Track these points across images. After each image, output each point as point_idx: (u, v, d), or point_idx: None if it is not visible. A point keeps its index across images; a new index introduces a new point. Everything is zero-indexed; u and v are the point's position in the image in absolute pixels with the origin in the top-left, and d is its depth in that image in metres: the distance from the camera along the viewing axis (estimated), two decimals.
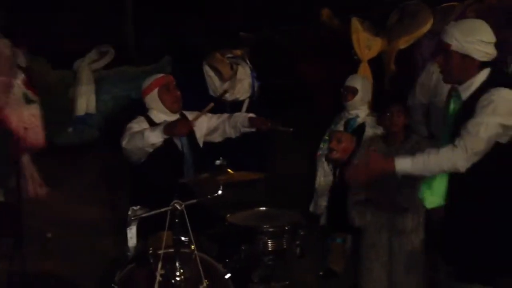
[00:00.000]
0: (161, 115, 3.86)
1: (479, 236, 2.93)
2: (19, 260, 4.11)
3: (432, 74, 4.34)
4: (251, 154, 5.45)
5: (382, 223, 3.74)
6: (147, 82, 3.92)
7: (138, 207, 3.36)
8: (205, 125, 4.04)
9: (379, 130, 4.33)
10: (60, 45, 6.39)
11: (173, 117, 3.85)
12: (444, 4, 5.38)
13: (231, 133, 4.02)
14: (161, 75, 4.00)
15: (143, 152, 3.65)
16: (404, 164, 2.92)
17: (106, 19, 7.83)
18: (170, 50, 6.60)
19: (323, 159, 4.48)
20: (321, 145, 4.55)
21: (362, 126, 4.43)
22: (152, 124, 3.80)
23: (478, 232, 2.93)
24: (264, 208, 3.73)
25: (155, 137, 3.60)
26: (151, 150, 3.64)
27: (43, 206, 5.23)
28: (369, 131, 4.40)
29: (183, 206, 2.74)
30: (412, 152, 3.55)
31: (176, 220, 2.74)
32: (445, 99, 3.09)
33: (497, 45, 2.89)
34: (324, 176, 4.49)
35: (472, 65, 2.86)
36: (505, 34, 4.51)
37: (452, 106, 2.98)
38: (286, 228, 3.43)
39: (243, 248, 3.39)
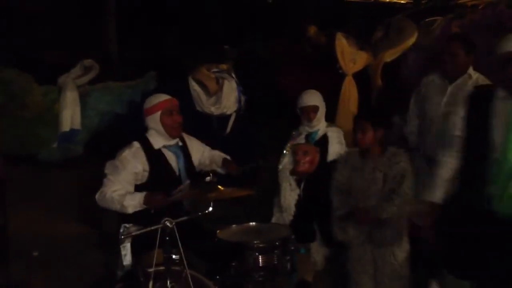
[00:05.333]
0: (159, 138, 3.81)
1: None
2: (4, 277, 4.03)
3: (427, 85, 4.36)
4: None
5: (364, 237, 3.76)
6: (151, 103, 3.86)
7: (131, 224, 3.37)
8: (198, 156, 4.05)
9: (342, 140, 4.48)
10: (43, 61, 6.35)
11: (172, 141, 3.83)
12: (428, 19, 5.41)
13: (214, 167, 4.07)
14: (167, 97, 3.92)
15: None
16: None
17: (88, 32, 7.80)
18: (154, 64, 6.58)
19: (287, 173, 4.44)
20: (281, 160, 4.52)
21: (324, 138, 4.46)
22: (148, 150, 3.73)
23: None
24: (254, 223, 3.73)
25: (133, 208, 3.54)
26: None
27: (27, 222, 5.14)
28: (333, 144, 4.44)
29: (173, 223, 2.72)
30: (389, 165, 3.63)
31: (167, 238, 2.73)
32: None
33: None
34: (290, 190, 4.45)
35: None
36: (488, 47, 4.60)
37: None
38: (277, 243, 3.42)
39: (233, 264, 3.38)
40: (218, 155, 4.11)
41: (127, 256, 3.05)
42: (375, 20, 5.78)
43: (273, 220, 4.51)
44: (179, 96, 5.80)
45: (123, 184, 3.63)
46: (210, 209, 2.88)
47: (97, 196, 3.65)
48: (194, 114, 5.82)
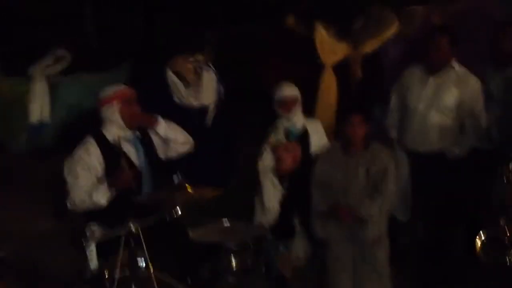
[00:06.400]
0: (115, 129, 3.65)
1: None
2: None
3: (408, 77, 4.29)
4: (214, 167, 5.29)
5: (344, 235, 3.71)
6: (107, 92, 3.72)
7: (95, 224, 3.24)
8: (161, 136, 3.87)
9: (323, 132, 4.41)
10: (14, 51, 6.20)
11: (128, 132, 3.67)
12: (408, 8, 5.32)
13: None
14: (123, 87, 3.81)
15: None
16: None
17: (66, 19, 7.64)
18: (131, 53, 6.43)
19: (269, 172, 4.31)
20: (261, 158, 4.38)
21: (304, 132, 4.38)
22: (103, 144, 3.59)
23: None
24: (228, 223, 3.61)
25: (105, 198, 3.44)
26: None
27: None
28: (314, 136, 4.36)
29: (138, 227, 2.59)
30: (372, 160, 3.56)
31: (132, 241, 2.60)
32: None
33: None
34: (274, 189, 4.32)
35: None
36: (471, 36, 4.53)
37: None
38: (251, 244, 3.32)
39: (206, 266, 3.31)
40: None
41: (93, 260, 2.95)
42: (356, 11, 5.67)
43: (256, 219, 4.36)
44: (156, 87, 5.78)
45: (85, 183, 3.52)
46: (178, 211, 2.75)
47: (68, 205, 3.56)
48: (173, 106, 5.70)
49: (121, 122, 3.66)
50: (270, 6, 6.66)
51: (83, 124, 5.11)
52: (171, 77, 5.73)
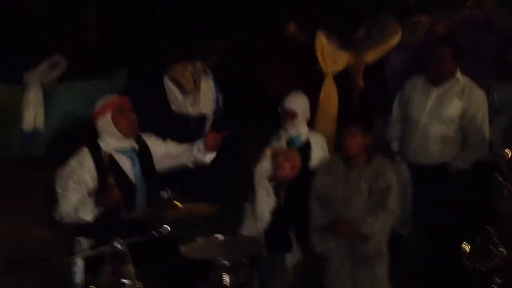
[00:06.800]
0: (112, 141, 3.54)
1: None
2: None
3: (411, 87, 4.22)
4: (209, 180, 5.17)
5: (344, 250, 3.63)
6: (100, 104, 3.62)
7: (84, 238, 3.20)
8: (161, 151, 3.76)
9: (326, 148, 4.41)
10: (12, 57, 6.15)
11: (127, 142, 3.57)
12: (412, 18, 5.24)
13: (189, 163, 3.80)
14: (115, 96, 3.72)
15: None
16: None
17: (67, 25, 7.59)
18: (130, 60, 6.37)
19: (264, 179, 4.22)
20: (259, 164, 4.29)
21: (307, 144, 4.34)
22: (99, 156, 3.48)
23: None
24: (221, 236, 3.48)
25: (91, 215, 3.35)
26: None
27: None
28: (317, 151, 4.31)
29: (125, 244, 2.48)
30: (375, 175, 3.45)
31: (116, 260, 2.49)
32: None
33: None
34: (267, 196, 4.22)
35: None
36: (477, 48, 4.44)
37: None
38: (244, 260, 3.20)
39: (198, 283, 3.20)
40: (176, 147, 3.81)
41: (78, 274, 2.83)
42: (360, 19, 5.60)
43: (244, 228, 4.29)
44: (153, 94, 5.70)
45: (74, 197, 3.42)
46: (166, 228, 2.64)
47: (56, 217, 3.47)
48: (170, 114, 5.62)
49: (116, 132, 3.55)
50: (273, 14, 6.61)
51: (78, 131, 5.07)
52: (169, 84, 5.67)
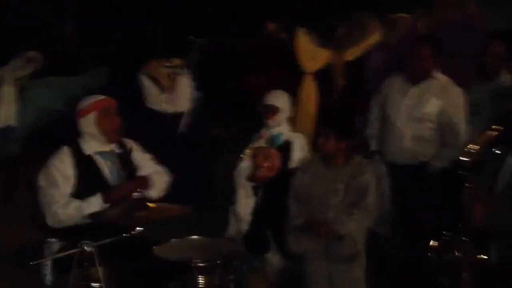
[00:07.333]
0: (93, 143, 3.44)
1: None
2: None
3: (389, 86, 4.20)
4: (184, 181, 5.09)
5: (319, 250, 3.58)
6: (85, 103, 3.50)
7: (55, 240, 3.15)
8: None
9: (305, 148, 4.40)
10: None
11: (107, 147, 3.46)
12: (392, 16, 5.21)
13: None
14: (102, 97, 3.57)
15: None
16: None
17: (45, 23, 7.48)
18: (111, 57, 6.26)
19: (243, 179, 4.20)
20: (238, 164, 4.28)
21: (287, 143, 4.33)
22: (79, 157, 3.39)
23: None
24: (196, 237, 3.41)
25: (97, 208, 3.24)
26: None
27: None
28: (297, 150, 4.30)
29: (93, 247, 2.40)
30: (353, 175, 3.41)
31: (85, 263, 2.41)
32: None
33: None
34: (246, 197, 4.20)
35: None
36: (457, 47, 4.42)
37: None
38: (219, 261, 3.12)
39: (171, 285, 3.10)
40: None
41: (47, 276, 2.75)
42: (340, 17, 5.56)
43: (229, 229, 4.26)
44: (129, 92, 5.59)
45: (67, 191, 3.32)
46: (139, 229, 2.56)
47: (49, 222, 3.30)
48: (145, 112, 5.52)
49: (99, 135, 3.44)
50: (253, 12, 6.57)
51: (54, 127, 4.95)
52: (144, 81, 5.55)
